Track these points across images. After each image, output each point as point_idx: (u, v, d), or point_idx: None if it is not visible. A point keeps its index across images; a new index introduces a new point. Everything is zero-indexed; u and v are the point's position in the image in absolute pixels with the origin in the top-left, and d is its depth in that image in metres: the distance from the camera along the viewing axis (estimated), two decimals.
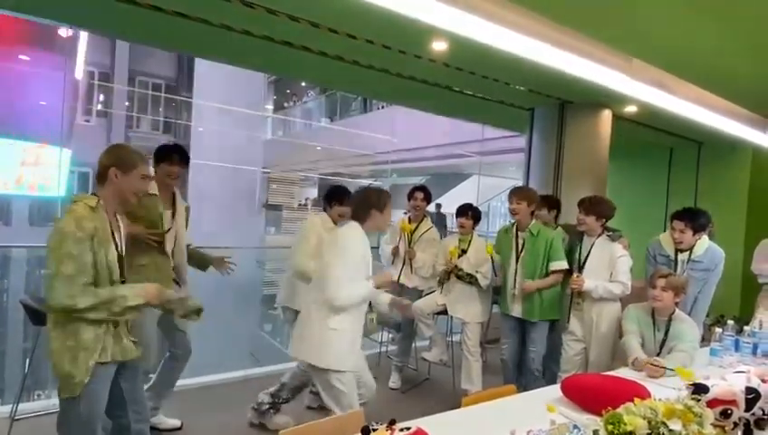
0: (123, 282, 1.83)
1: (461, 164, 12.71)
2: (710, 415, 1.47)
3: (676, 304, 2.56)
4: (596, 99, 4.19)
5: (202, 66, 13.47)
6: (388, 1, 1.85)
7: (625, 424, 1.35)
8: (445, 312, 3.55)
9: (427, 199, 3.74)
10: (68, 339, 1.71)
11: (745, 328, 2.56)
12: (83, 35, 10.63)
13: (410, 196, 3.73)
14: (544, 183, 4.37)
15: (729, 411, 1.59)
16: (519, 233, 3.18)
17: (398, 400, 3.67)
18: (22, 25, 9.68)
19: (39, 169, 10.24)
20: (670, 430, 1.36)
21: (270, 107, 17.65)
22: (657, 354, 2.48)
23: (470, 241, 3.47)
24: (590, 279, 2.93)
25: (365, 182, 15.31)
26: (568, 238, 3.23)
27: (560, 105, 4.41)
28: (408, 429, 1.45)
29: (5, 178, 10.20)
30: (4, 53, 9.88)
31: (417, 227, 3.71)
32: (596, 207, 3.01)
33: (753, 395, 1.62)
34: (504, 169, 12.19)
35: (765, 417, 1.65)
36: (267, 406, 2.91)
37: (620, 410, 1.42)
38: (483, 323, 3.57)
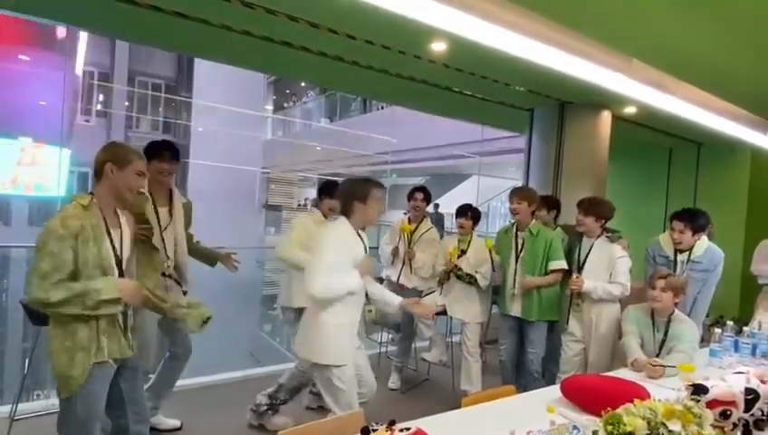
0: (123, 275, 1.82)
1: (461, 164, 12.71)
2: (709, 416, 1.47)
3: (676, 304, 2.56)
4: (596, 99, 4.19)
5: (202, 66, 13.48)
6: (388, 1, 1.85)
7: (624, 425, 1.35)
8: (444, 312, 3.55)
9: (427, 200, 3.74)
10: (66, 339, 1.72)
11: (744, 329, 2.56)
12: (83, 35, 10.64)
13: (410, 196, 3.73)
14: (544, 183, 4.38)
15: (728, 412, 1.59)
16: (519, 233, 3.18)
17: (398, 400, 3.67)
18: (22, 25, 9.68)
19: (36, 169, 10.18)
20: (670, 431, 1.36)
21: (269, 107, 17.66)
22: (657, 355, 2.49)
23: (469, 242, 3.47)
24: (590, 280, 2.94)
25: None
26: (567, 239, 3.23)
27: (559, 106, 4.41)
28: (408, 429, 1.45)
29: (1, 178, 10.14)
30: (3, 52, 9.87)
31: (416, 228, 3.71)
32: (595, 207, 3.01)
33: (752, 396, 1.62)
34: (503, 169, 12.21)
35: (764, 418, 1.65)
36: (265, 407, 2.91)
37: (620, 410, 1.42)
38: (482, 324, 3.57)
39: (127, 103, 14.63)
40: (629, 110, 4.42)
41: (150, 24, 2.91)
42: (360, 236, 2.31)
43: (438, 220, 10.27)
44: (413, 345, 4.01)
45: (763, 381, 1.68)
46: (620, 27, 2.77)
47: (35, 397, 4.40)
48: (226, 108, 12.74)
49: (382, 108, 14.00)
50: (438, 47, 3.06)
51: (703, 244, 3.12)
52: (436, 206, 11.08)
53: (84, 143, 11.31)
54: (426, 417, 1.66)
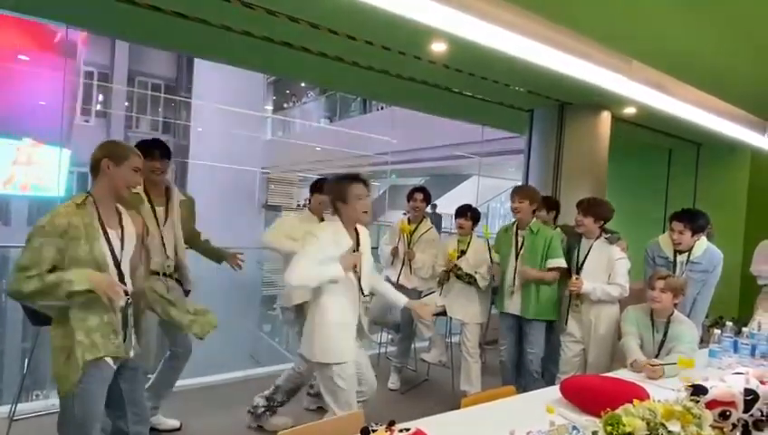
0: (120, 275, 1.81)
1: (460, 165, 12.72)
2: (709, 416, 1.47)
3: (675, 305, 2.57)
4: (595, 100, 4.20)
5: (201, 66, 13.49)
6: (388, 2, 1.85)
7: (624, 425, 1.35)
8: (444, 313, 3.55)
9: (427, 200, 3.74)
10: (65, 338, 1.73)
11: (744, 329, 2.56)
12: (83, 35, 10.64)
13: (410, 197, 3.73)
14: (543, 184, 4.38)
15: (728, 413, 1.59)
16: (519, 231, 3.19)
17: (398, 401, 3.67)
18: (22, 25, 9.68)
19: (32, 169, 10.10)
20: (669, 432, 1.36)
21: (269, 107, 17.67)
22: (656, 356, 2.49)
23: (469, 242, 3.48)
24: (589, 281, 2.94)
25: None
26: (566, 240, 3.23)
27: (559, 106, 4.42)
28: (408, 430, 1.45)
29: None
30: (3, 52, 9.87)
31: (416, 228, 3.71)
32: (594, 208, 3.01)
33: (751, 396, 1.62)
34: (503, 170, 12.21)
35: (764, 418, 1.65)
36: (263, 409, 2.91)
37: (619, 411, 1.42)
38: (482, 325, 3.57)
39: (126, 103, 14.64)
40: (629, 110, 4.42)
41: (150, 24, 2.91)
42: (357, 232, 2.31)
43: (436, 221, 10.26)
44: (412, 346, 4.01)
45: (762, 382, 1.68)
46: (620, 28, 2.77)
47: (34, 397, 4.39)
48: (226, 108, 12.74)
49: (382, 108, 14.00)
50: (438, 48, 3.06)
51: (702, 245, 3.12)
52: (434, 206, 11.07)
53: (84, 143, 11.30)
54: (425, 417, 1.66)
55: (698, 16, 2.67)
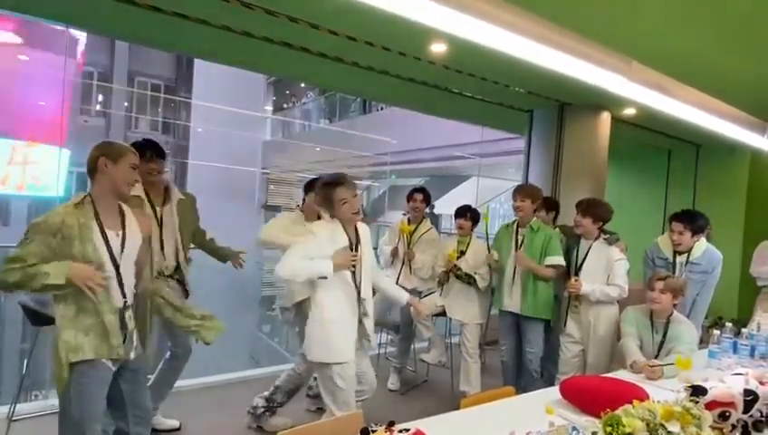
0: (119, 276, 1.80)
1: (460, 166, 12.71)
2: (708, 417, 1.47)
3: (675, 306, 2.57)
4: (595, 101, 4.20)
5: (201, 67, 13.49)
6: (388, 2, 1.85)
7: (623, 426, 1.36)
8: (443, 313, 3.56)
9: (427, 201, 3.74)
10: (58, 338, 1.74)
11: (743, 330, 2.56)
12: (83, 35, 10.64)
13: (409, 197, 3.73)
14: (543, 185, 4.37)
15: (727, 413, 1.59)
16: (519, 229, 3.19)
17: (397, 401, 3.67)
18: (22, 25, 9.69)
19: (29, 169, 10.04)
20: (668, 432, 1.36)
21: (269, 108, 17.66)
22: (656, 356, 2.49)
23: (468, 243, 3.48)
24: (587, 282, 2.94)
25: (364, 183, 15.34)
26: (565, 240, 3.23)
27: (559, 107, 4.42)
28: (407, 430, 1.45)
29: None
30: (3, 52, 9.87)
31: (416, 229, 3.71)
32: (593, 209, 3.02)
33: (751, 397, 1.62)
34: (503, 170, 12.20)
35: (763, 419, 1.65)
36: (262, 410, 2.91)
37: (619, 411, 1.42)
38: (481, 325, 3.57)
39: (126, 104, 14.64)
40: (629, 111, 4.42)
41: (150, 24, 2.91)
42: (357, 232, 2.32)
43: (434, 221, 10.23)
44: (412, 346, 4.01)
45: (761, 383, 1.69)
46: (620, 29, 2.78)
47: (33, 397, 4.40)
48: (226, 108, 12.74)
49: (382, 109, 14.00)
50: (438, 48, 3.06)
51: (701, 245, 3.13)
52: (432, 207, 11.05)
53: (83, 143, 11.30)
54: (425, 418, 1.66)
55: (698, 17, 2.67)
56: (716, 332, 2.53)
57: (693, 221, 3.05)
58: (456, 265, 3.40)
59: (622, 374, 2.27)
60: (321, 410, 2.88)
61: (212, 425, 3.00)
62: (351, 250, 2.26)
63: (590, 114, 4.39)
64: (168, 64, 15.13)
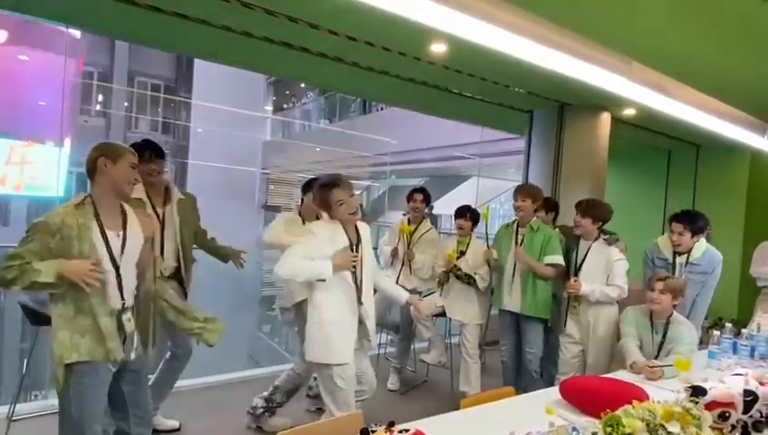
0: (119, 277, 1.80)
1: (460, 166, 12.72)
2: (708, 417, 1.47)
3: (675, 306, 2.57)
4: (595, 101, 4.20)
5: (201, 67, 13.49)
6: (388, 2, 1.85)
7: (623, 426, 1.36)
8: (443, 314, 3.56)
9: (427, 201, 3.74)
10: (53, 339, 1.74)
11: (743, 331, 2.56)
12: (83, 35, 10.63)
13: (409, 197, 3.73)
14: (543, 185, 4.37)
15: (727, 414, 1.59)
16: (519, 229, 3.20)
17: (397, 401, 3.67)
18: (22, 25, 9.68)
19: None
20: (668, 433, 1.36)
21: (269, 108, 17.66)
22: (655, 357, 2.49)
23: (468, 243, 3.48)
24: (587, 283, 2.94)
25: (364, 184, 15.34)
26: (565, 241, 3.24)
27: (559, 107, 4.42)
28: (407, 430, 1.45)
29: None
30: (3, 52, 9.87)
31: (416, 229, 3.71)
32: (592, 209, 3.02)
33: (750, 398, 1.62)
34: (503, 171, 12.20)
35: (763, 419, 1.65)
36: (262, 410, 2.91)
37: (619, 412, 1.42)
38: (481, 325, 3.57)
39: (126, 104, 14.63)
40: (629, 112, 4.42)
41: (150, 24, 2.91)
42: (358, 231, 2.32)
43: (432, 222, 10.22)
44: (412, 346, 4.01)
45: (761, 383, 1.69)
46: (620, 29, 2.78)
47: (33, 397, 4.39)
48: (226, 108, 12.74)
49: (382, 109, 14.01)
50: (438, 49, 3.06)
51: (701, 246, 3.13)
52: (430, 208, 11.02)
53: (83, 144, 11.30)
54: (425, 418, 1.66)
55: (698, 18, 2.67)
56: (716, 332, 2.53)
57: (693, 222, 3.05)
58: (455, 266, 3.40)
59: (622, 375, 2.27)
60: (320, 411, 2.89)
61: (212, 425, 2.99)
62: (352, 250, 2.27)
63: (590, 115, 4.39)
64: (168, 64, 15.13)
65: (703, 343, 2.89)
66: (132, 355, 1.87)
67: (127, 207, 1.90)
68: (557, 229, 3.43)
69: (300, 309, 2.93)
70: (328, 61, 3.41)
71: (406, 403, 3.65)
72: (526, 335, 3.17)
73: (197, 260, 2.81)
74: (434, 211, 11.12)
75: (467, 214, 3.48)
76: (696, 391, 1.59)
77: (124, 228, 1.84)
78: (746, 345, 2.49)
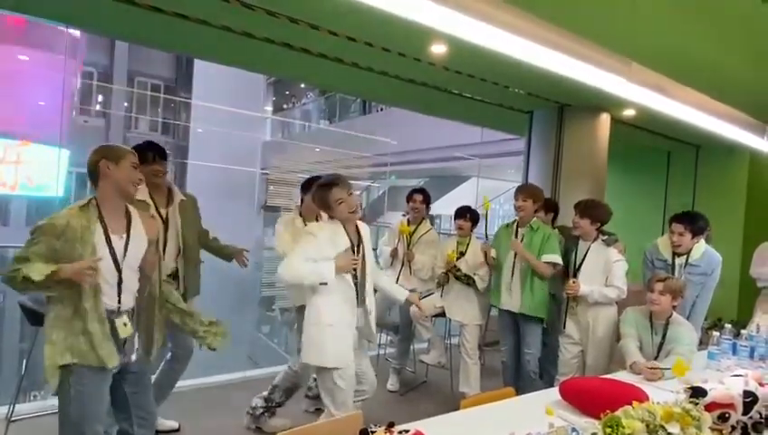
0: (120, 282, 1.80)
1: (460, 166, 12.72)
2: (708, 418, 1.47)
3: (674, 307, 2.57)
4: (594, 102, 4.20)
5: (201, 67, 13.48)
6: (388, 3, 1.85)
7: (623, 427, 1.36)
8: (443, 314, 3.55)
9: (426, 201, 3.74)
10: (47, 340, 1.74)
11: (743, 332, 2.56)
12: (83, 35, 10.63)
13: (409, 198, 3.73)
14: (543, 186, 4.36)
15: (727, 415, 1.59)
16: (519, 229, 3.20)
17: (396, 402, 3.67)
18: (22, 25, 9.68)
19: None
20: (668, 434, 1.36)
21: (269, 108, 17.65)
22: (655, 358, 2.49)
23: (468, 244, 3.48)
24: (586, 284, 2.94)
25: (364, 184, 15.33)
26: (564, 241, 3.24)
27: (558, 108, 4.42)
28: (407, 431, 1.45)
29: None
30: (3, 52, 9.86)
31: (415, 229, 3.71)
32: (591, 210, 3.02)
33: (750, 399, 1.62)
34: (502, 171, 12.21)
35: (763, 420, 1.65)
36: (261, 410, 2.91)
37: (619, 413, 1.42)
38: (481, 326, 3.57)
39: (126, 104, 14.62)
40: (628, 112, 4.42)
41: (150, 24, 2.91)
42: (359, 232, 2.32)
43: (431, 222, 10.20)
44: (411, 347, 4.01)
45: (761, 384, 1.69)
46: (620, 30, 2.78)
47: (32, 398, 4.38)
48: (226, 109, 12.73)
49: (381, 110, 14.01)
50: (438, 50, 3.07)
51: (701, 247, 3.13)
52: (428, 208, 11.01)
53: (83, 144, 11.30)
54: (424, 419, 1.66)
55: (698, 18, 2.67)
56: (716, 333, 2.53)
57: (693, 222, 3.05)
58: (455, 266, 3.40)
59: (622, 375, 2.28)
60: (319, 411, 2.88)
61: (211, 426, 2.99)
62: (353, 251, 2.27)
63: (590, 115, 4.39)
64: (168, 64, 15.11)
65: (702, 343, 2.89)
66: (133, 357, 1.87)
67: (132, 209, 1.90)
68: (556, 230, 3.43)
69: (302, 311, 2.93)
70: (328, 61, 3.41)
71: (405, 404, 3.65)
72: (525, 337, 3.17)
73: (204, 262, 2.81)
74: (432, 212, 11.11)
75: (467, 214, 3.48)
76: (696, 392, 1.59)
77: (128, 231, 1.84)
78: (746, 346, 2.49)
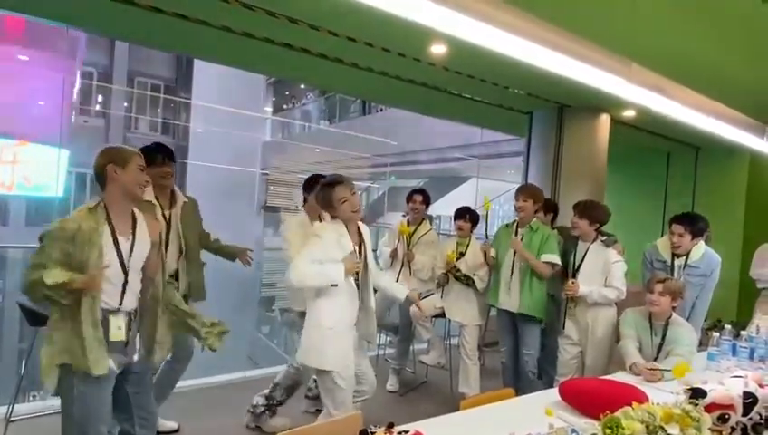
0: (125, 283, 1.80)
1: (459, 167, 12.73)
2: (708, 420, 1.47)
3: (674, 308, 2.57)
4: (594, 103, 4.20)
5: (201, 67, 13.48)
6: (388, 3, 1.85)
7: (623, 428, 1.35)
8: (443, 315, 3.55)
9: (426, 202, 3.74)
10: (49, 339, 1.76)
11: (742, 333, 2.56)
12: (83, 35, 10.63)
13: (409, 198, 3.73)
14: (542, 187, 4.37)
15: (727, 416, 1.59)
16: (519, 229, 3.20)
17: (396, 403, 3.66)
18: (21, 25, 9.68)
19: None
20: None
21: (269, 109, 17.65)
22: (655, 359, 2.49)
23: (468, 244, 3.48)
24: (585, 284, 2.94)
25: (363, 184, 15.33)
26: (563, 242, 3.24)
27: (558, 109, 4.42)
28: (406, 432, 1.45)
29: None
30: (2, 52, 9.86)
31: (415, 230, 3.71)
32: (589, 211, 3.02)
33: (750, 400, 1.62)
34: (502, 172, 12.21)
35: (762, 422, 1.65)
36: (263, 408, 2.91)
37: (618, 414, 1.42)
38: (480, 326, 3.57)
39: (126, 104, 14.61)
40: (628, 113, 4.43)
41: (150, 25, 2.91)
42: (361, 233, 2.33)
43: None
44: (411, 348, 4.01)
45: (760, 385, 1.69)
46: (620, 30, 2.78)
47: (31, 398, 4.38)
48: (226, 109, 12.73)
49: (381, 110, 14.01)
50: (438, 50, 3.07)
51: (700, 249, 3.13)
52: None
53: (83, 144, 11.29)
54: (424, 420, 1.66)
55: (698, 19, 2.67)
56: (715, 334, 2.53)
57: (693, 223, 3.06)
58: (454, 267, 3.40)
59: (621, 376, 2.27)
60: (319, 412, 2.88)
61: (210, 426, 2.99)
62: (356, 251, 2.27)
63: (590, 116, 4.40)
64: (168, 64, 15.10)
65: (702, 344, 2.89)
66: (135, 357, 1.88)
67: (137, 211, 1.90)
68: (555, 230, 3.43)
69: (305, 315, 2.93)
70: (328, 62, 3.41)
71: (405, 405, 3.65)
72: (524, 337, 3.17)
73: (206, 263, 2.81)
74: (431, 213, 11.11)
75: (467, 215, 3.48)
76: (696, 393, 1.59)
77: (134, 233, 1.85)
78: (746, 347, 2.49)
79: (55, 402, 2.70)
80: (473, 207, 3.58)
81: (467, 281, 3.39)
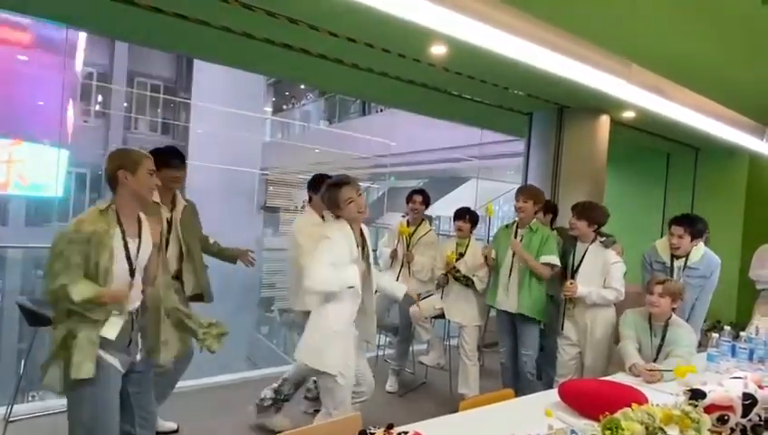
0: (131, 283, 1.81)
1: (459, 168, 12.73)
2: (707, 421, 1.47)
3: (674, 310, 2.57)
4: (594, 104, 4.20)
5: (201, 68, 13.48)
6: (388, 4, 1.85)
7: (623, 429, 1.35)
8: (442, 315, 3.55)
9: (426, 203, 3.74)
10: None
11: (742, 334, 2.56)
12: (82, 35, 10.63)
13: (409, 199, 3.73)
14: (542, 187, 4.37)
15: (726, 417, 1.59)
16: (519, 230, 3.20)
17: (396, 403, 3.66)
18: (21, 25, 9.68)
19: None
20: None
21: (269, 109, 17.65)
22: (654, 360, 2.49)
23: (467, 245, 3.48)
24: (584, 285, 2.94)
25: (363, 185, 15.33)
26: (562, 243, 3.24)
27: (558, 110, 4.42)
28: (406, 433, 1.45)
29: None
30: (2, 52, 9.86)
31: (415, 231, 3.71)
32: (588, 212, 3.02)
33: (749, 401, 1.62)
34: (502, 173, 12.22)
35: (762, 423, 1.65)
36: (270, 402, 2.91)
37: (618, 415, 1.42)
38: (480, 327, 3.56)
39: (126, 104, 14.61)
40: (628, 114, 4.43)
41: (150, 25, 2.91)
42: (363, 233, 2.33)
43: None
44: (411, 348, 4.00)
45: (760, 387, 1.69)
46: (620, 31, 2.78)
47: (31, 398, 4.38)
48: (225, 109, 12.74)
49: (381, 111, 14.02)
50: (438, 51, 3.07)
51: (699, 250, 3.13)
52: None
53: (82, 144, 11.29)
54: (423, 420, 1.66)
55: (698, 20, 2.68)
56: (715, 335, 2.53)
57: (693, 225, 3.06)
58: (454, 267, 3.40)
59: (621, 377, 2.27)
60: (318, 413, 2.88)
61: (210, 427, 2.99)
62: (358, 250, 2.27)
63: (590, 117, 4.40)
64: (168, 65, 15.10)
65: (702, 345, 2.89)
66: (138, 357, 1.88)
67: (141, 214, 1.91)
68: (554, 231, 3.43)
69: (308, 315, 2.93)
70: (328, 62, 3.41)
71: (404, 405, 3.64)
72: (522, 338, 3.17)
73: (208, 266, 2.80)
74: (431, 213, 11.10)
75: (466, 216, 3.48)
76: (695, 395, 1.59)
77: (139, 234, 1.86)
78: (745, 348, 2.48)
79: (54, 403, 2.70)
80: (472, 208, 3.58)
81: (467, 282, 3.39)
